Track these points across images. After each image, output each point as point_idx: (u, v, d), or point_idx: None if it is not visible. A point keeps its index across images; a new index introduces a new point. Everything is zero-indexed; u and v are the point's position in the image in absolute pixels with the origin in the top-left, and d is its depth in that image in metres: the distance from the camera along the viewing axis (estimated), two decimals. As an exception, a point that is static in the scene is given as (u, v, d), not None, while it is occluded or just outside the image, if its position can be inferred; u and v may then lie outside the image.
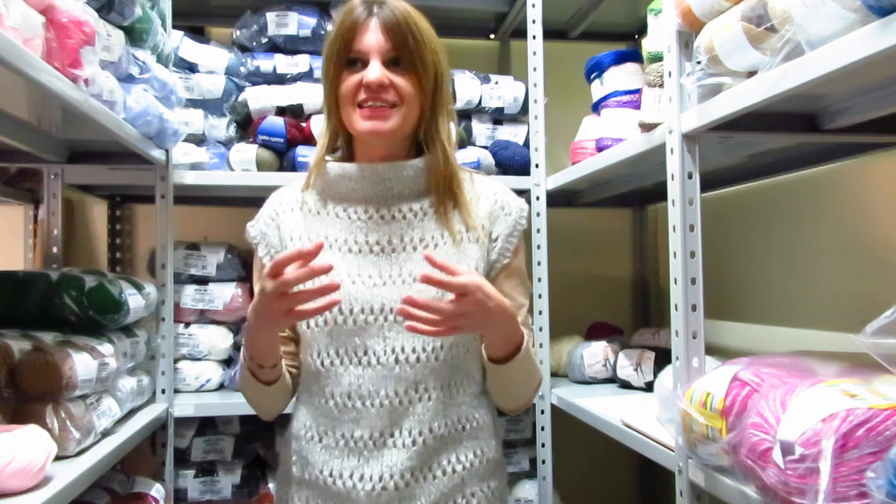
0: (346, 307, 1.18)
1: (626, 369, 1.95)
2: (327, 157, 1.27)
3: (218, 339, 1.95)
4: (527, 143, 2.05)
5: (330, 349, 1.20)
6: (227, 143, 1.98)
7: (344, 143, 1.28)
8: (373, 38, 1.17)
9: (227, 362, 2.00)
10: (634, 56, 1.73)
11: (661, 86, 1.38)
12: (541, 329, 1.97)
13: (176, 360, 1.89)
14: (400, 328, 1.17)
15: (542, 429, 1.96)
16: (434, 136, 1.23)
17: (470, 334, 1.21)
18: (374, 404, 1.18)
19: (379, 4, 1.19)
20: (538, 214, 1.99)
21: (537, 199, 1.99)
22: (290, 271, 1.05)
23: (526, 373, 1.23)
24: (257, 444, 2.01)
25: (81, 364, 1.27)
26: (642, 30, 1.59)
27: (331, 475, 1.19)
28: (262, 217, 1.31)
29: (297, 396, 1.30)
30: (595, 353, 2.06)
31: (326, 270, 1.04)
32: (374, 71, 1.16)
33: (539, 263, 1.97)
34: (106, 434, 1.41)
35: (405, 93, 1.18)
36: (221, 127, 1.98)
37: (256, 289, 1.27)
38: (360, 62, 1.18)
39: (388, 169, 1.23)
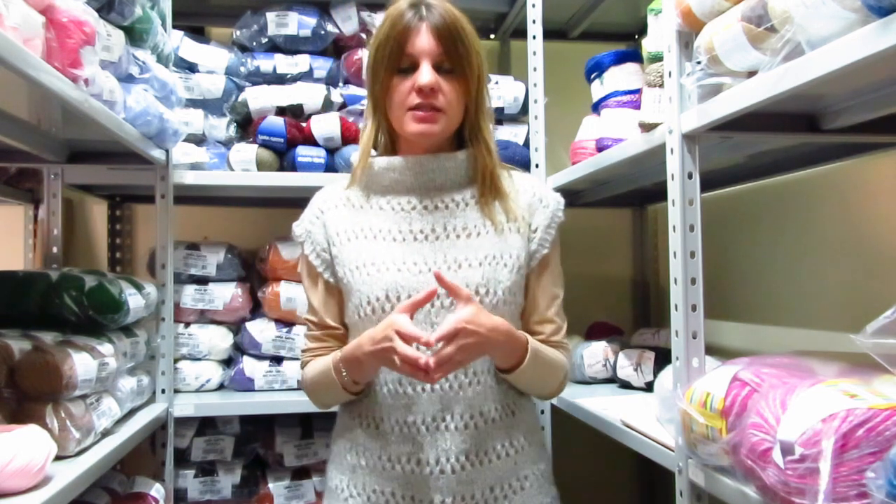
0: (394, 294, 1.21)
1: (626, 369, 1.95)
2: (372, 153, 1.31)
3: (218, 339, 1.95)
4: (527, 143, 2.05)
5: None
6: (227, 143, 1.98)
7: (387, 141, 1.32)
8: (425, 42, 1.21)
9: (227, 362, 2.00)
10: (634, 56, 1.72)
11: (661, 86, 1.38)
12: (541, 329, 1.96)
13: (176, 360, 1.89)
14: (446, 313, 1.19)
15: (542, 429, 1.96)
16: (477, 132, 1.28)
17: (511, 319, 1.23)
18: (425, 389, 1.21)
19: (427, 7, 1.22)
20: (538, 214, 1.98)
21: (537, 199, 1.99)
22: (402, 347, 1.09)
23: (541, 373, 1.25)
24: (257, 444, 2.01)
25: (81, 364, 1.27)
26: (642, 30, 1.59)
27: (389, 460, 1.22)
28: (306, 216, 1.34)
29: None
30: (595, 353, 2.06)
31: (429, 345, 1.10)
32: (427, 75, 1.20)
33: (539, 263, 1.96)
34: (106, 434, 1.41)
35: (451, 98, 1.23)
36: (221, 127, 1.98)
37: (305, 284, 1.33)
38: (409, 66, 1.21)
39: (432, 160, 1.27)
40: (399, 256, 1.24)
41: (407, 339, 1.10)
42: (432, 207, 1.27)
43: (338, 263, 1.27)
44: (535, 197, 1.31)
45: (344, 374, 1.21)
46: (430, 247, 1.25)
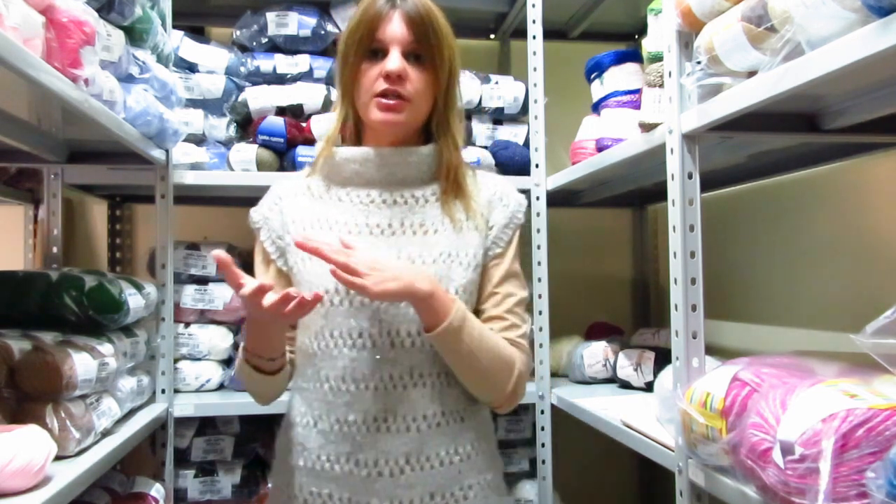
0: (343, 288, 1.17)
1: (626, 369, 1.95)
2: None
3: (218, 339, 1.95)
4: (527, 143, 2.05)
5: (325, 331, 1.20)
6: (227, 143, 1.98)
7: (353, 130, 1.29)
8: (396, 29, 1.19)
9: (227, 362, 2.00)
10: (634, 56, 1.73)
11: (661, 86, 1.38)
12: (541, 329, 1.97)
13: (176, 360, 1.89)
14: (396, 311, 1.17)
15: (542, 429, 1.96)
16: (445, 127, 1.26)
17: None
18: (368, 388, 1.17)
19: None
20: (538, 214, 1.99)
21: (537, 199, 1.99)
22: (270, 300, 1.07)
23: (477, 350, 1.15)
24: (257, 444, 2.01)
25: (81, 364, 1.27)
26: (642, 30, 1.59)
27: (328, 460, 1.19)
28: (265, 202, 1.33)
29: (293, 382, 1.30)
30: (595, 353, 2.06)
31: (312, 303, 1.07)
32: (395, 61, 1.18)
33: (539, 263, 1.97)
34: (106, 434, 1.41)
35: (419, 88, 1.20)
36: (221, 127, 1.98)
37: (256, 272, 1.30)
38: (380, 52, 1.20)
39: (394, 154, 1.24)
40: None
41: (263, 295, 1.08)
42: (391, 202, 1.24)
43: (290, 252, 1.25)
44: (495, 195, 1.28)
45: (248, 350, 1.20)
46: (385, 241, 1.22)
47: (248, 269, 2.04)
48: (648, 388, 1.84)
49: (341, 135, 1.29)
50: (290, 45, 2.01)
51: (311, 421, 1.21)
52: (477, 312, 1.24)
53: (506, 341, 1.21)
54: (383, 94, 1.19)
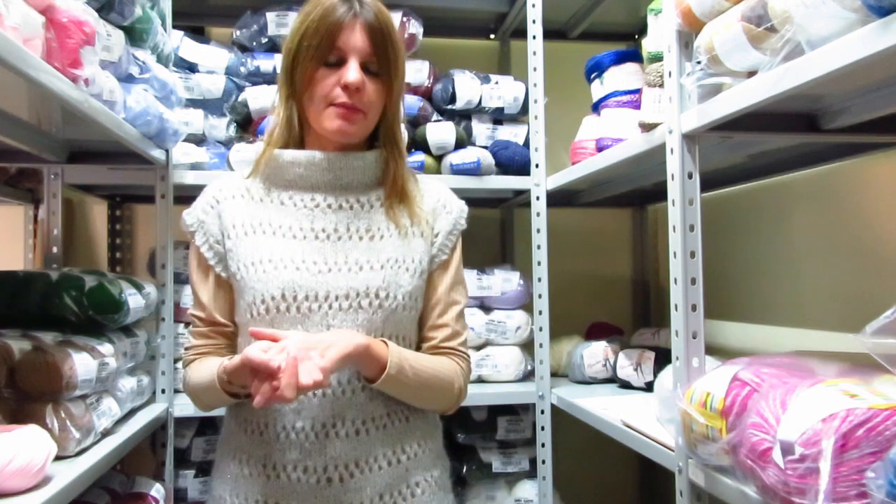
0: (290, 294, 1.17)
1: (626, 369, 1.95)
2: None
3: (218, 339, 1.95)
4: (527, 143, 2.05)
5: None
6: (227, 143, 1.98)
7: (295, 132, 1.26)
8: (357, 40, 1.18)
9: (227, 362, 2.00)
10: (634, 56, 1.73)
11: (661, 86, 1.38)
12: (541, 329, 1.97)
13: (176, 360, 1.89)
14: (344, 316, 1.17)
15: (542, 429, 1.96)
16: (391, 135, 1.26)
17: (410, 324, 1.23)
18: (316, 394, 1.16)
19: (361, 3, 1.19)
20: (538, 214, 1.99)
21: (537, 199, 1.99)
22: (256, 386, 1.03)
23: (416, 386, 1.18)
24: (257, 444, 2.01)
25: (81, 364, 1.27)
26: (642, 30, 1.59)
27: (274, 468, 1.17)
28: (199, 205, 1.28)
29: None
30: (595, 353, 2.06)
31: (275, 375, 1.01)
32: (354, 73, 1.17)
33: (539, 263, 1.97)
34: (106, 434, 1.41)
35: (374, 100, 1.20)
36: (221, 127, 1.98)
37: (194, 277, 1.26)
38: (336, 60, 1.19)
39: (340, 158, 1.23)
40: (298, 254, 1.20)
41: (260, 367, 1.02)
42: (336, 207, 1.23)
43: (231, 258, 1.22)
44: (439, 202, 1.29)
45: (224, 377, 1.14)
46: (331, 246, 1.21)
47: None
48: (648, 388, 1.84)
49: (272, 136, 1.26)
50: (290, 45, 2.01)
51: (257, 429, 1.19)
52: (421, 318, 1.25)
53: (442, 360, 1.23)
54: (341, 105, 1.18)
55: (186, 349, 1.28)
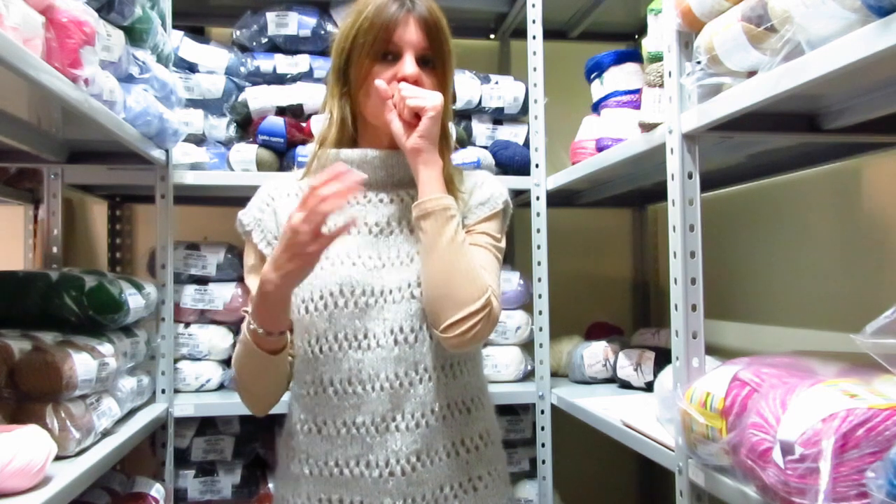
0: (348, 289, 1.19)
1: (626, 369, 1.95)
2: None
3: (218, 339, 1.95)
4: (527, 143, 2.05)
5: (329, 334, 1.20)
6: (227, 143, 1.98)
7: (349, 129, 1.27)
8: (412, 34, 1.20)
9: (227, 362, 2.00)
10: (634, 56, 1.73)
11: (661, 86, 1.38)
12: (541, 329, 1.97)
13: (176, 360, 1.89)
14: (398, 308, 1.18)
15: (542, 429, 1.96)
16: (442, 129, 1.26)
17: None
18: (374, 388, 1.18)
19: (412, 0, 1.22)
20: (538, 214, 1.99)
21: (537, 199, 1.99)
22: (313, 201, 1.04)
23: (454, 252, 1.15)
24: (257, 444, 2.01)
25: (81, 364, 1.27)
26: (642, 30, 1.59)
27: (336, 465, 1.19)
28: (254, 204, 1.31)
29: (291, 391, 1.29)
30: (595, 353, 2.06)
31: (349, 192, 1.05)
32: (410, 66, 1.19)
33: (539, 263, 1.97)
34: (106, 434, 1.41)
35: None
36: (221, 127, 1.98)
37: (248, 281, 1.27)
38: (391, 55, 1.21)
39: (392, 156, 1.26)
40: (354, 250, 1.22)
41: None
42: (387, 201, 1.27)
43: None
44: (477, 183, 1.30)
45: (252, 325, 1.13)
46: (384, 241, 1.23)
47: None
48: (648, 388, 1.84)
49: (325, 136, 1.27)
50: (290, 45, 2.01)
51: (315, 427, 1.21)
52: None
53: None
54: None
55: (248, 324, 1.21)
